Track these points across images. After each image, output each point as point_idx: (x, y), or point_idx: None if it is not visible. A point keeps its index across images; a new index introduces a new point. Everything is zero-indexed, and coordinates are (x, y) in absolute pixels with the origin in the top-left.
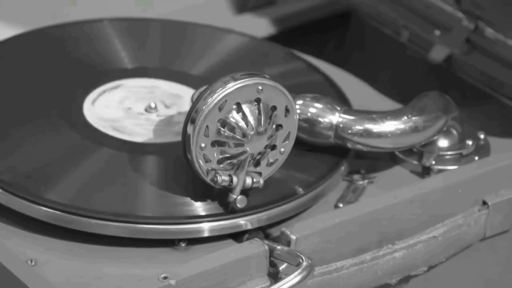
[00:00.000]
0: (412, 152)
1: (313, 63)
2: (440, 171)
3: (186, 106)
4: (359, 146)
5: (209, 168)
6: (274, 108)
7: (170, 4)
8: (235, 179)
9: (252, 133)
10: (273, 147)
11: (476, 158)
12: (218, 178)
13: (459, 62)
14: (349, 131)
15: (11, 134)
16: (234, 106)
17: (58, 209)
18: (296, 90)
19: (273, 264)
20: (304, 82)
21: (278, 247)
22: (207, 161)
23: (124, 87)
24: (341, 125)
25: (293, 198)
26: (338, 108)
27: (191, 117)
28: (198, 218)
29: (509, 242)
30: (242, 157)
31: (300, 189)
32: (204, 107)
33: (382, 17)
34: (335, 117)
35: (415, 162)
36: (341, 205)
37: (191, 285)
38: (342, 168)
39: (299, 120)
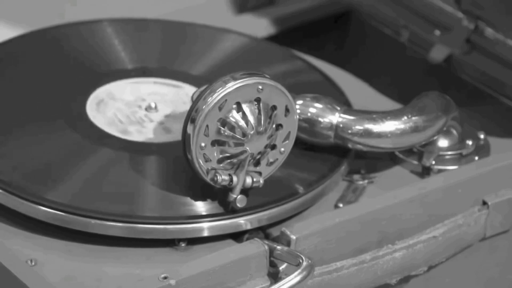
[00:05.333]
0: (412, 152)
1: (313, 63)
2: (440, 171)
3: (186, 106)
4: (359, 146)
5: (209, 168)
6: (274, 107)
7: (170, 4)
8: (235, 178)
9: (252, 132)
10: (273, 147)
11: (476, 158)
12: (218, 177)
13: (459, 62)
14: (349, 131)
15: (12, 134)
16: (234, 106)
17: (58, 209)
18: (296, 90)
19: (273, 264)
20: (304, 82)
21: (278, 247)
22: (207, 160)
23: (124, 87)
24: (341, 125)
25: (293, 198)
26: (338, 108)
27: (191, 116)
28: (198, 218)
29: (509, 242)
30: (242, 157)
31: (300, 189)
32: (204, 107)
33: (382, 17)
34: (335, 117)
35: (415, 162)
36: (341, 205)
37: (191, 285)
38: (342, 168)
39: (299, 120)
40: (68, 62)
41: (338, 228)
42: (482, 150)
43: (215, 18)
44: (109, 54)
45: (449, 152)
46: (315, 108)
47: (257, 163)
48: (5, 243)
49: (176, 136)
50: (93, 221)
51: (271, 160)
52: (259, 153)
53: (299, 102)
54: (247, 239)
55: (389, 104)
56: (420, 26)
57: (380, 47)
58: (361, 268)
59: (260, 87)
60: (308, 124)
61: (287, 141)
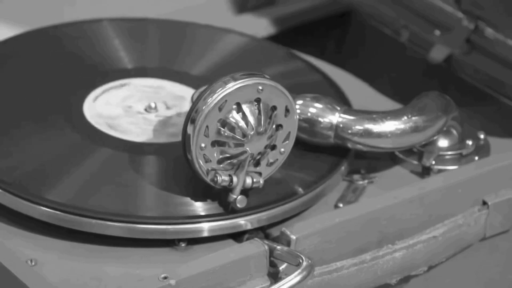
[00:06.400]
0: (412, 152)
1: (313, 63)
2: (440, 171)
3: (186, 107)
4: (359, 146)
5: (209, 168)
6: (274, 108)
7: (170, 4)
8: (235, 179)
9: (252, 133)
10: (273, 147)
11: (476, 158)
12: (218, 178)
13: (459, 62)
14: (349, 131)
15: (11, 134)
16: (234, 106)
17: (58, 209)
18: (296, 90)
19: (273, 264)
20: (304, 82)
21: (278, 247)
22: (207, 161)
23: (123, 87)
24: (341, 125)
25: (293, 198)
26: (338, 108)
27: (191, 117)
28: (198, 218)
29: (509, 242)
30: (242, 157)
31: (300, 189)
32: (204, 107)
33: (382, 17)
34: (335, 117)
35: (415, 162)
36: (341, 205)
37: (191, 285)
38: (342, 168)
39: (299, 120)
40: (67, 62)
41: (338, 228)
42: (482, 150)
43: (215, 18)
44: (109, 53)
45: (449, 152)
46: (315, 108)
47: (257, 163)
48: (5, 243)
49: (176, 136)
50: (93, 221)
51: (271, 160)
52: (259, 153)
53: (299, 102)
54: (247, 239)
55: (389, 104)
56: (420, 26)
57: (380, 47)
58: (361, 268)
59: (260, 87)
60: (308, 124)
61: (287, 142)
